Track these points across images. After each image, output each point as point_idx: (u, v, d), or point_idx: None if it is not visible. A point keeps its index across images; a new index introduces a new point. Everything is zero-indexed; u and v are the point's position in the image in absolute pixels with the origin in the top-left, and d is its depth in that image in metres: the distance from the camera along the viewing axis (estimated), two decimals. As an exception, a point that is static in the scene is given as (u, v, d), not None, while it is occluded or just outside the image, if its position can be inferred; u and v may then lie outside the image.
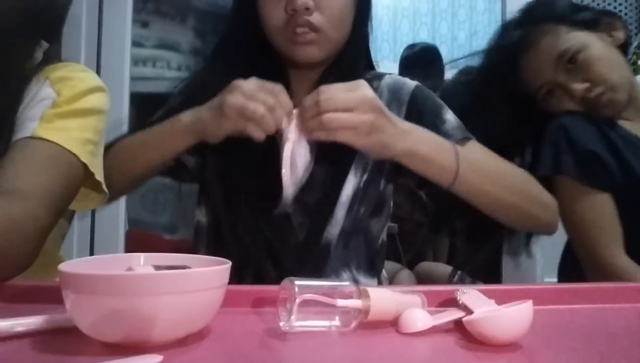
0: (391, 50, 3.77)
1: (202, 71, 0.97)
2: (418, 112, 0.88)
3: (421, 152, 0.75)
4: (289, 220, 0.84)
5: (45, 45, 0.79)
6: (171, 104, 0.94)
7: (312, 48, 0.82)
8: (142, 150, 0.83)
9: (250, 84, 0.72)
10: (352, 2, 0.85)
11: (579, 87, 0.98)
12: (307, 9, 0.79)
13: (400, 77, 0.94)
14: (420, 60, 2.52)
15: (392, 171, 0.90)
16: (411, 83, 0.92)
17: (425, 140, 0.76)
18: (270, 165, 0.79)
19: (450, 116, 0.89)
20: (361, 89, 0.71)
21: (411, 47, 2.73)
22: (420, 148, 0.75)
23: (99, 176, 0.76)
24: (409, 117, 0.86)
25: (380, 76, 0.93)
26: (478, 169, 0.80)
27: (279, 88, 0.72)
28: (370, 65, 0.97)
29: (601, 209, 0.95)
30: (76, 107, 0.75)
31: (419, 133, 0.76)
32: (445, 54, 3.86)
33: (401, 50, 3.73)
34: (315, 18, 0.80)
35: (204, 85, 0.88)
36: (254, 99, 0.70)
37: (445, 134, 0.84)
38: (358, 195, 0.86)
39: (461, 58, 1.31)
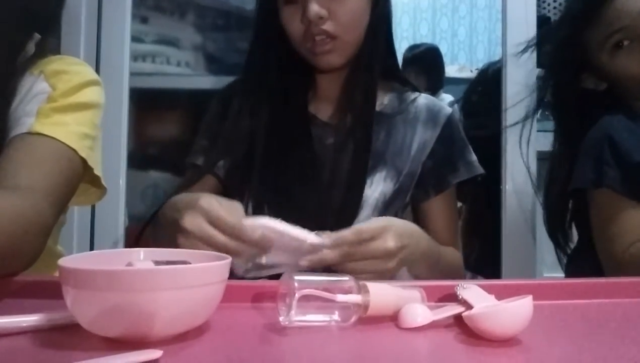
0: (391, 45, 3.76)
1: (231, 89, 1.00)
2: (450, 137, 0.95)
3: (426, 269, 0.79)
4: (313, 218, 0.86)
5: (37, 37, 0.78)
6: (202, 141, 0.98)
7: (332, 56, 0.87)
8: None
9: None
10: (367, 2, 0.88)
11: None
12: (321, 18, 0.83)
13: (436, 99, 1.01)
14: (423, 60, 2.62)
15: (414, 184, 0.94)
16: (447, 108, 0.98)
17: (429, 256, 0.79)
18: (306, 166, 0.87)
19: (471, 149, 0.96)
20: (388, 236, 0.68)
21: (415, 47, 2.80)
22: (426, 266, 0.79)
23: (98, 171, 0.76)
24: (441, 137, 0.94)
25: (414, 94, 0.98)
26: (444, 267, 0.85)
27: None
28: (395, 66, 1.01)
29: (632, 216, 0.92)
30: (72, 101, 0.75)
31: (432, 252, 0.80)
32: (446, 50, 3.86)
33: (402, 45, 3.72)
34: (330, 26, 0.84)
35: (239, 111, 0.93)
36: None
37: (470, 164, 0.94)
38: (385, 203, 0.89)
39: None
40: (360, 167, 0.88)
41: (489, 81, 1.77)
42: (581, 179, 0.97)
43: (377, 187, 0.89)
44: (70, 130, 0.72)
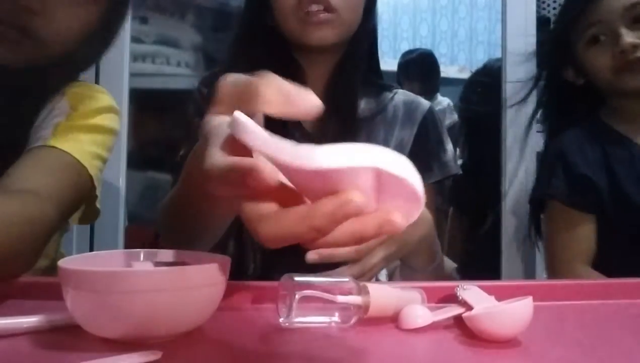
0: (391, 46, 3.77)
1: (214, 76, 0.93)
2: (426, 134, 0.91)
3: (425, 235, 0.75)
4: None
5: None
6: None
7: (326, 29, 0.79)
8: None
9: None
10: None
11: (629, 39, 0.94)
12: None
13: (414, 95, 0.95)
14: (418, 65, 2.67)
15: None
16: (425, 104, 0.93)
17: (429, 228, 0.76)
18: None
19: (450, 146, 0.91)
20: None
21: (409, 52, 2.85)
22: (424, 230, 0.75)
23: (99, 191, 0.77)
24: (418, 136, 0.90)
25: (391, 90, 0.94)
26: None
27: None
28: (377, 65, 0.97)
29: (577, 230, 0.98)
30: (89, 123, 0.77)
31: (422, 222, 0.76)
32: (445, 50, 3.87)
33: (401, 46, 3.74)
34: None
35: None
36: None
37: (444, 164, 0.89)
38: None
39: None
40: None
41: (488, 80, 1.78)
42: (536, 190, 1.04)
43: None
44: (84, 148, 0.74)
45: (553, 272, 1.02)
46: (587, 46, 1.00)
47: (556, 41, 1.08)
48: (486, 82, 1.84)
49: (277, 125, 0.37)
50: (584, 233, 0.97)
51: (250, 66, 0.84)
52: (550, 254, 1.03)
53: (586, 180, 0.96)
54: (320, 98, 0.42)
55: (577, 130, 1.03)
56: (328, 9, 0.78)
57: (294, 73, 0.83)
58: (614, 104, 1.04)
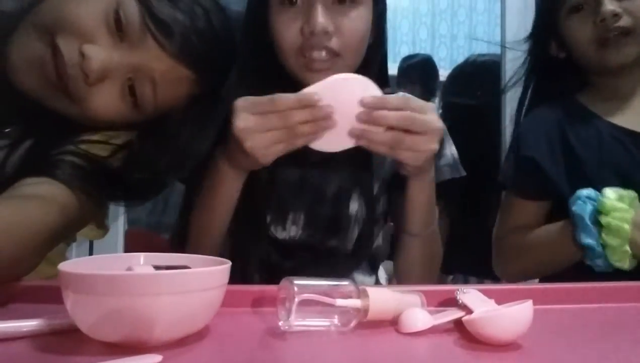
0: (391, 50, 3.76)
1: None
2: None
3: (430, 189, 0.76)
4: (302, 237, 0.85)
5: None
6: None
7: (329, 74, 0.74)
8: (208, 216, 0.79)
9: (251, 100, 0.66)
10: (370, 25, 0.80)
11: (610, 7, 0.90)
12: (327, 32, 0.73)
13: (413, 97, 0.93)
14: (418, 70, 2.72)
15: (393, 185, 0.88)
16: None
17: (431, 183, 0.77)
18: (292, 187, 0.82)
19: (448, 151, 0.88)
20: (434, 114, 0.69)
21: (409, 58, 2.89)
22: (432, 185, 0.77)
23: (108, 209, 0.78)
24: None
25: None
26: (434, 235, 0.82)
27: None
28: (384, 81, 0.96)
29: (517, 214, 0.98)
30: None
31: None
32: (445, 54, 3.87)
33: (401, 49, 3.74)
34: (334, 43, 0.74)
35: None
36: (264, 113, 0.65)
37: (437, 169, 0.84)
38: (368, 214, 0.86)
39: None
40: (348, 184, 0.85)
41: (469, 72, 1.80)
42: (500, 179, 1.03)
43: (361, 200, 0.85)
44: None
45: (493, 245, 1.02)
46: (568, 15, 0.96)
47: (540, 10, 1.05)
48: (467, 74, 1.86)
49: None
50: (521, 220, 0.97)
51: (252, 84, 0.83)
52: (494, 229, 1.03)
53: (530, 164, 0.93)
54: None
55: (544, 109, 1.00)
56: (330, 54, 0.75)
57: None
58: (594, 80, 1.00)
